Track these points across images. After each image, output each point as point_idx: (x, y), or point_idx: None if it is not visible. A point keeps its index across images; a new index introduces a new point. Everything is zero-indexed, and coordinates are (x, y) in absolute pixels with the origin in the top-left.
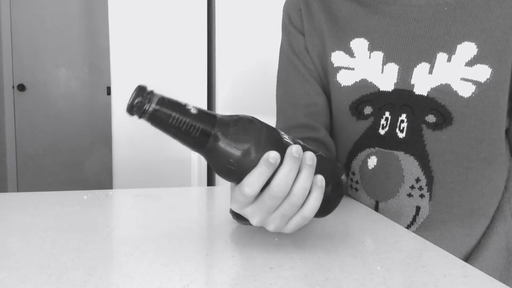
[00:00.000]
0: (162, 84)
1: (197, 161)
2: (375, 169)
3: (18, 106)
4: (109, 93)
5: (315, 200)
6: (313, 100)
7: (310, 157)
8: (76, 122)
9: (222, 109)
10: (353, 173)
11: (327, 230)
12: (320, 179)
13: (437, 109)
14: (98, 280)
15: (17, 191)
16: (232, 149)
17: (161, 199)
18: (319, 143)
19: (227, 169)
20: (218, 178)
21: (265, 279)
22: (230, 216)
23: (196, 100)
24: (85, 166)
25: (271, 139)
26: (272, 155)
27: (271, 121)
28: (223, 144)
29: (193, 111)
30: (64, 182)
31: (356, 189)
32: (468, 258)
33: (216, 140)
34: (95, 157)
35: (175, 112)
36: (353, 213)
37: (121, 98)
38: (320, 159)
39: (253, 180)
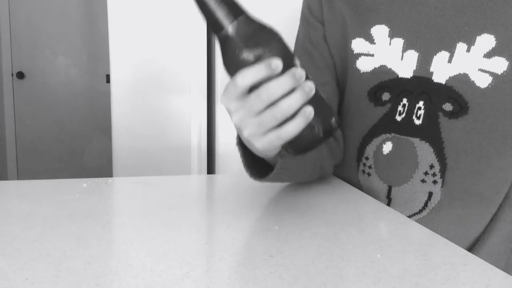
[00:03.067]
0: (162, 70)
1: (197, 149)
2: (390, 155)
3: (17, 94)
4: (108, 81)
5: (295, 126)
6: (324, 89)
7: (309, 86)
8: (76, 110)
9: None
10: (367, 158)
11: (327, 218)
12: (309, 110)
13: (454, 97)
14: (97, 268)
15: (17, 179)
16: (245, 42)
17: (161, 187)
18: None
19: (232, 60)
20: (218, 167)
21: (265, 267)
22: (230, 204)
23: (196, 84)
24: (85, 154)
25: (283, 54)
26: (276, 61)
27: None
28: (239, 34)
29: None
30: (64, 169)
31: (369, 174)
32: (475, 243)
33: (234, 28)
34: (95, 145)
35: None
36: (353, 201)
37: (120, 86)
38: (319, 98)
39: (248, 73)
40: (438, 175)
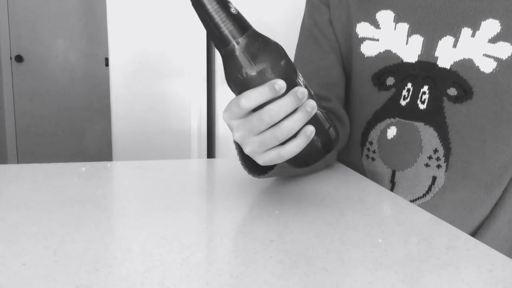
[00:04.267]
0: (161, 53)
1: (196, 133)
2: (394, 139)
3: (16, 78)
4: (107, 64)
5: (297, 146)
6: (329, 72)
7: (311, 105)
8: (75, 93)
9: (221, 74)
10: (371, 143)
11: (328, 203)
12: (311, 130)
13: (458, 82)
14: (96, 253)
15: (17, 163)
16: (249, 61)
17: (161, 171)
18: (330, 113)
19: (235, 77)
20: (218, 151)
21: (265, 252)
22: (230, 189)
23: (195, 68)
24: (84, 137)
25: (287, 72)
26: (280, 83)
27: None
28: (243, 52)
29: (233, 10)
30: (64, 153)
31: (373, 159)
32: (479, 228)
33: (239, 45)
34: (94, 129)
35: (217, 2)
36: (354, 185)
37: (119, 69)
38: (320, 115)
39: (253, 95)
40: (442, 159)
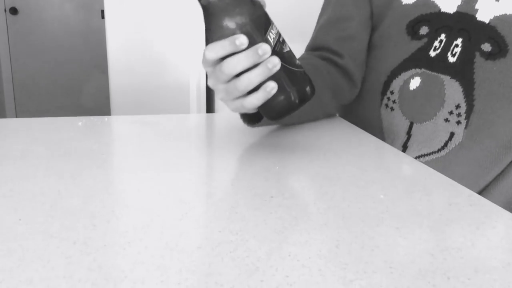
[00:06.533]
0: (158, 5)
1: (196, 87)
2: (416, 91)
3: (11, 31)
4: (103, 16)
5: (256, 99)
6: (347, 24)
7: (273, 62)
8: (71, 46)
9: None
10: (392, 92)
11: (329, 158)
12: (271, 86)
13: (495, 38)
14: (93, 208)
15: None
16: (218, 14)
17: (159, 126)
18: (338, 68)
19: (208, 25)
20: (218, 106)
21: (265, 208)
22: (229, 144)
23: (194, 20)
24: (82, 92)
25: (254, 29)
26: (241, 39)
27: None
28: (214, 5)
29: None
30: (63, 108)
31: (392, 109)
32: (487, 186)
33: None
34: (92, 83)
35: None
36: (356, 141)
37: (115, 22)
38: (293, 69)
39: (214, 48)
40: (463, 116)
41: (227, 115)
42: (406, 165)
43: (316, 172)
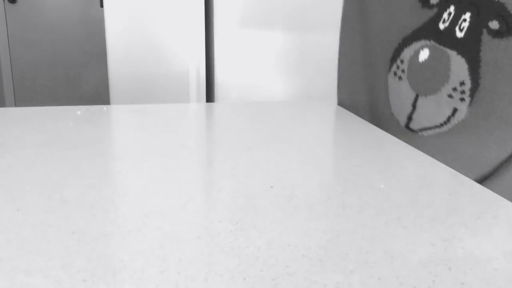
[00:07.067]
0: (156, 2)
1: (195, 77)
2: (424, 63)
3: (9, 19)
4: (102, 5)
5: None
6: None
7: None
8: (70, 35)
9: (220, 16)
10: (402, 61)
11: (329, 149)
12: None
13: (503, 15)
14: (92, 198)
15: (15, 107)
16: None
17: (159, 115)
18: None
19: None
20: (218, 95)
21: (265, 198)
22: (229, 134)
23: (194, 9)
24: (82, 81)
25: None
26: None
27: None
28: None
29: None
30: (62, 97)
31: (400, 78)
32: (497, 169)
33: None
34: (91, 72)
35: None
36: (355, 131)
37: (114, 10)
38: None
39: None
40: (467, 93)
41: (227, 104)
42: (407, 154)
43: (316, 161)
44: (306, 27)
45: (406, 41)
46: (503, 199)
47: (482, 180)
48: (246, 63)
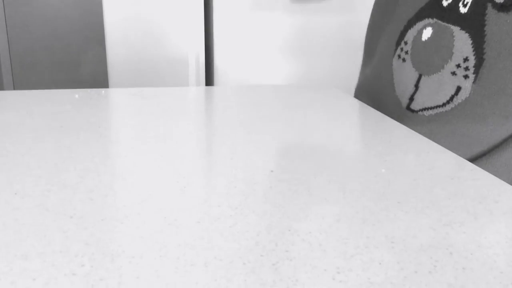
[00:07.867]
0: None
1: (195, 60)
2: (427, 42)
3: (7, 2)
4: None
5: None
6: None
7: None
8: (68, 17)
9: (219, 0)
10: (406, 43)
11: (330, 133)
12: None
13: None
14: (90, 181)
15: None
16: None
17: (157, 99)
18: None
19: None
20: (217, 79)
21: (265, 182)
22: (228, 118)
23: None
24: (80, 64)
25: None
26: None
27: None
28: None
29: None
30: (61, 81)
31: (404, 60)
32: (498, 146)
33: None
34: (89, 56)
35: None
36: (356, 115)
37: None
38: None
39: None
40: (472, 70)
41: (226, 88)
42: (408, 138)
43: (317, 146)
44: (308, 10)
45: (411, 22)
46: (504, 183)
47: (479, 157)
48: (245, 47)
